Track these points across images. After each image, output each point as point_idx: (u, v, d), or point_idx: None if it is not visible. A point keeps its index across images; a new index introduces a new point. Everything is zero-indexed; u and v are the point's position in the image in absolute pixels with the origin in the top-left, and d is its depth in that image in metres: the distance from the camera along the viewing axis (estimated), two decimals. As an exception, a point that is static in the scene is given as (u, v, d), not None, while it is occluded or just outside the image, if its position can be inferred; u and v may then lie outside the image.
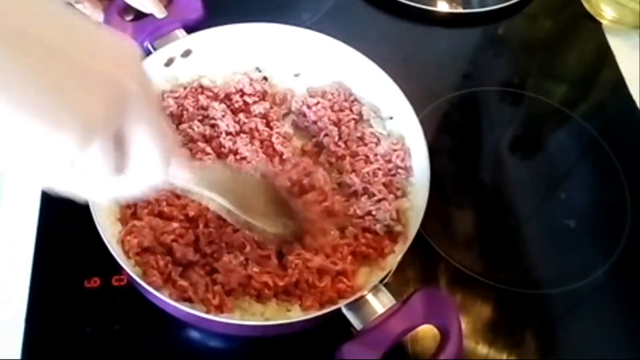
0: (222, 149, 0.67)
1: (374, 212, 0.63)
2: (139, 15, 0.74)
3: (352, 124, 0.70)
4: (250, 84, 0.71)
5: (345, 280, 0.59)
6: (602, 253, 0.69)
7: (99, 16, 0.74)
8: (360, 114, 0.71)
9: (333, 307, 0.55)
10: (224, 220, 0.61)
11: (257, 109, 0.70)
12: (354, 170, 0.66)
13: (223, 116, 0.68)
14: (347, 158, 0.67)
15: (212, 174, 0.54)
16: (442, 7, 0.89)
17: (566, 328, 0.65)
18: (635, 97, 0.82)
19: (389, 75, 0.68)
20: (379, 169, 0.66)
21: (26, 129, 0.35)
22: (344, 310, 0.55)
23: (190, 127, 0.67)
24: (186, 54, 0.71)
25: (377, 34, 0.87)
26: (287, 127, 0.70)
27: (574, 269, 0.68)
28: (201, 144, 0.66)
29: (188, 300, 0.56)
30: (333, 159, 0.68)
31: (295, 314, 0.57)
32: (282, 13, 0.84)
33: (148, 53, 0.71)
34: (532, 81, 0.85)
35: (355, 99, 0.72)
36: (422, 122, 0.66)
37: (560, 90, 0.84)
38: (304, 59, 0.73)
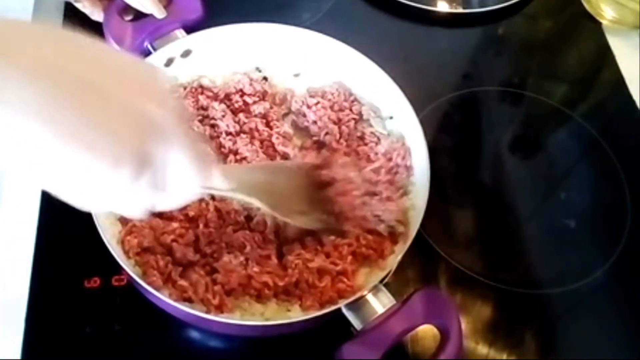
0: (222, 149, 0.67)
1: (379, 213, 0.63)
2: (139, 15, 0.74)
3: (352, 123, 0.70)
4: (250, 84, 0.71)
5: (345, 280, 0.59)
6: (602, 253, 0.69)
7: (99, 16, 0.74)
8: (360, 114, 0.71)
9: (333, 307, 0.55)
10: (224, 220, 0.62)
11: (257, 109, 0.70)
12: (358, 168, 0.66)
13: (223, 116, 0.68)
14: (351, 156, 0.67)
15: (249, 178, 0.56)
16: (442, 7, 0.89)
17: (566, 328, 0.65)
18: (635, 97, 0.82)
19: (389, 75, 0.68)
20: (381, 167, 0.66)
21: (60, 151, 0.36)
22: (344, 310, 0.55)
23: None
24: (186, 54, 0.71)
25: (377, 34, 0.86)
26: (287, 127, 0.70)
27: (574, 269, 0.68)
28: (215, 158, 0.66)
29: (188, 300, 0.56)
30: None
31: (295, 314, 0.57)
32: (282, 13, 0.84)
33: (148, 53, 0.71)
34: (532, 81, 0.85)
35: (355, 99, 0.72)
36: (422, 122, 0.66)
37: (560, 90, 0.84)
38: (304, 59, 0.73)
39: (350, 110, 0.71)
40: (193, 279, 0.57)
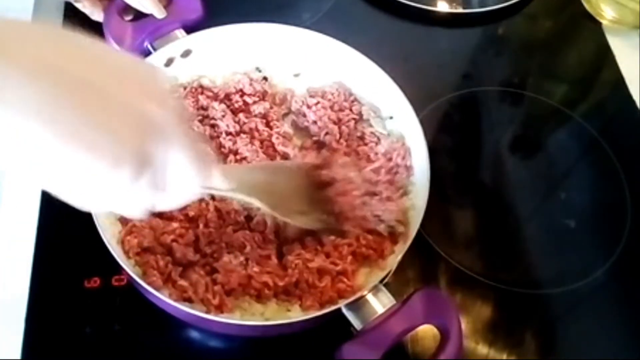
0: (222, 149, 0.67)
1: (379, 213, 0.63)
2: (139, 15, 0.74)
3: (352, 123, 0.70)
4: (250, 84, 0.71)
5: (345, 280, 0.59)
6: (602, 253, 0.69)
7: (99, 16, 0.74)
8: (360, 114, 0.71)
9: (333, 307, 0.55)
10: (224, 220, 0.62)
11: (257, 109, 0.70)
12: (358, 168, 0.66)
13: (223, 116, 0.68)
14: (351, 156, 0.67)
15: (249, 179, 0.56)
16: (442, 7, 0.89)
17: (566, 328, 0.65)
18: (635, 97, 0.82)
19: (389, 75, 0.68)
20: (381, 167, 0.66)
21: (60, 151, 0.36)
22: (344, 310, 0.55)
23: (190, 127, 0.67)
24: (186, 54, 0.71)
25: (377, 34, 0.87)
26: (287, 127, 0.70)
27: (574, 269, 0.68)
28: (215, 158, 0.66)
29: (188, 300, 0.56)
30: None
31: (295, 314, 0.57)
32: (282, 13, 0.84)
33: (148, 53, 0.71)
34: (532, 81, 0.85)
35: (355, 99, 0.72)
36: (422, 122, 0.66)
37: (560, 90, 0.84)
38: (304, 59, 0.73)
39: (350, 110, 0.71)
40: (193, 279, 0.57)
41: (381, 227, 0.62)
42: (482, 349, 0.63)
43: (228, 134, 0.68)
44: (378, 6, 0.89)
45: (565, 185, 0.75)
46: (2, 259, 0.64)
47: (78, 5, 0.74)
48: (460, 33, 0.89)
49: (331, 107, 0.70)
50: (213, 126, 0.68)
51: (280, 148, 0.68)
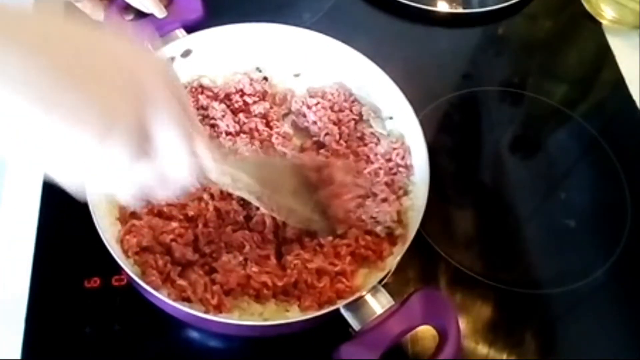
0: (222, 149, 0.67)
1: (375, 215, 0.63)
2: (139, 15, 0.74)
3: (352, 124, 0.70)
4: (250, 84, 0.71)
5: (344, 280, 0.59)
6: (602, 253, 0.69)
7: (99, 15, 0.74)
8: (360, 114, 0.71)
9: (332, 308, 0.55)
10: (223, 220, 0.62)
11: (257, 109, 0.70)
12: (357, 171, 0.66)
13: (223, 116, 0.68)
14: (350, 157, 0.67)
15: (244, 171, 0.55)
16: (442, 7, 0.89)
17: (566, 328, 0.65)
18: (635, 97, 0.82)
19: (388, 76, 0.68)
20: (380, 168, 0.66)
21: (49, 126, 0.36)
22: (343, 311, 0.55)
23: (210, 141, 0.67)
24: (186, 53, 0.71)
25: (377, 34, 0.87)
26: (287, 127, 0.70)
27: (574, 269, 0.68)
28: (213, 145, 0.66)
29: (187, 300, 0.56)
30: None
31: (294, 314, 0.57)
32: (282, 13, 0.84)
33: (148, 53, 0.71)
34: (532, 81, 0.85)
35: (355, 99, 0.72)
36: (422, 122, 0.66)
37: (560, 90, 0.84)
38: (304, 59, 0.73)
39: (350, 110, 0.71)
40: (192, 279, 0.57)
41: (378, 229, 0.62)
42: (482, 349, 0.63)
43: (228, 134, 0.68)
44: (378, 6, 0.89)
45: (565, 185, 0.75)
46: (2, 259, 0.64)
47: (79, 5, 0.74)
48: (460, 33, 0.89)
49: (331, 108, 0.71)
50: (213, 126, 0.68)
51: (280, 148, 0.68)
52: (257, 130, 0.68)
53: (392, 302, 0.56)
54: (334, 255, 0.60)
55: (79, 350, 0.60)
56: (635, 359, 0.64)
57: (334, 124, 0.70)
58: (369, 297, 0.56)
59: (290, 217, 0.60)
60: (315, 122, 0.70)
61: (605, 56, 0.86)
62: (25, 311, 0.61)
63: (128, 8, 0.74)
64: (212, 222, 0.61)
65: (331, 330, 0.55)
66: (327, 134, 0.69)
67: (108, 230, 0.58)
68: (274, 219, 0.62)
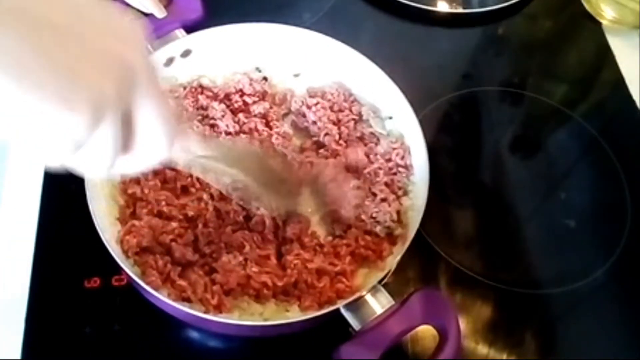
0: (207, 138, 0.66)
1: (374, 215, 0.63)
2: (139, 15, 0.74)
3: (351, 124, 0.70)
4: (250, 84, 0.71)
5: (344, 280, 0.59)
6: (602, 253, 0.69)
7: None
8: (359, 114, 0.71)
9: (332, 308, 0.55)
10: (223, 220, 0.62)
11: (257, 109, 0.70)
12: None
13: (223, 116, 0.68)
14: (349, 158, 0.67)
15: (232, 152, 0.55)
16: (442, 7, 0.89)
17: (566, 328, 0.65)
18: (635, 97, 0.82)
19: (388, 76, 0.68)
20: (379, 168, 0.66)
21: (36, 109, 0.34)
22: (343, 311, 0.55)
23: (190, 127, 0.67)
24: (186, 54, 0.71)
25: (377, 34, 0.87)
26: (286, 127, 0.70)
27: (574, 269, 0.68)
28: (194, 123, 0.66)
29: (187, 300, 0.56)
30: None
31: (294, 314, 0.57)
32: (282, 13, 0.84)
33: (147, 53, 0.71)
34: (532, 81, 0.85)
35: (355, 99, 0.72)
36: (422, 122, 0.66)
37: (560, 90, 0.84)
38: (304, 59, 0.73)
39: (350, 110, 0.71)
40: (192, 279, 0.57)
41: (378, 229, 0.62)
42: (482, 349, 0.63)
43: (228, 134, 0.68)
44: (378, 6, 0.89)
45: (565, 185, 0.75)
46: (2, 259, 0.64)
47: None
48: (460, 33, 0.89)
49: (331, 108, 0.70)
50: (213, 126, 0.68)
51: (280, 148, 0.67)
52: (257, 130, 0.68)
53: (392, 302, 0.56)
54: (334, 255, 0.60)
55: (79, 350, 0.60)
56: (635, 359, 0.64)
57: (334, 124, 0.70)
58: (369, 297, 0.56)
59: (278, 201, 0.60)
60: (315, 122, 0.70)
61: (605, 56, 0.86)
62: (25, 311, 0.61)
63: (128, 8, 0.74)
64: (212, 222, 0.61)
65: (331, 330, 0.55)
66: (326, 134, 0.69)
67: (108, 230, 0.58)
68: (273, 219, 0.62)
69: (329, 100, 0.71)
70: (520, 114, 0.83)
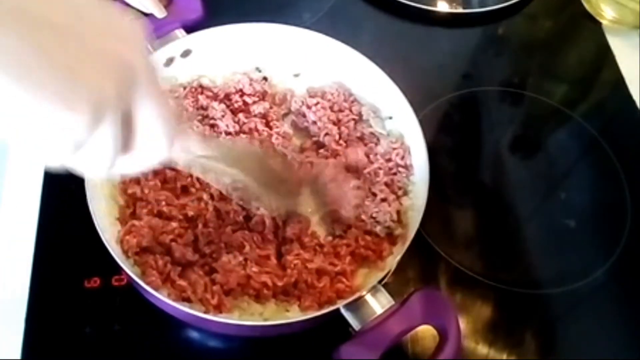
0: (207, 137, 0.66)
1: (375, 215, 0.63)
2: (139, 15, 0.74)
3: (351, 124, 0.70)
4: (250, 84, 0.71)
5: (344, 280, 0.59)
6: (602, 253, 0.69)
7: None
8: (359, 114, 0.71)
9: (332, 308, 0.55)
10: (223, 220, 0.62)
11: (257, 109, 0.70)
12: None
13: (223, 116, 0.68)
14: (349, 157, 0.67)
15: (232, 151, 0.55)
16: (442, 7, 0.89)
17: (566, 328, 0.65)
18: (635, 97, 0.82)
19: (388, 76, 0.68)
20: (379, 168, 0.66)
21: (37, 108, 0.34)
22: (343, 311, 0.55)
23: (189, 127, 0.67)
24: (186, 54, 0.71)
25: (377, 34, 0.87)
26: (286, 127, 0.70)
27: (574, 269, 0.68)
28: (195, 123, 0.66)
29: (187, 300, 0.56)
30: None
31: (294, 314, 0.57)
32: (282, 13, 0.84)
33: (147, 53, 0.71)
34: (532, 81, 0.85)
35: (355, 99, 0.72)
36: (422, 122, 0.66)
37: (560, 90, 0.84)
38: (304, 59, 0.73)
39: (350, 110, 0.71)
40: (192, 279, 0.57)
41: (378, 229, 0.62)
42: (482, 349, 0.63)
43: (228, 134, 0.68)
44: (378, 6, 0.89)
45: (565, 185, 0.75)
46: (2, 259, 0.64)
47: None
48: (460, 33, 0.89)
49: (331, 108, 0.70)
50: (213, 126, 0.68)
51: (280, 148, 0.67)
52: (257, 130, 0.68)
53: (392, 302, 0.56)
54: (334, 255, 0.60)
55: (79, 350, 0.60)
56: (635, 359, 0.64)
57: (334, 123, 0.70)
58: (369, 297, 0.56)
59: (278, 200, 0.60)
60: (315, 122, 0.70)
61: (605, 56, 0.86)
62: (25, 311, 0.61)
63: (128, 8, 0.74)
64: (212, 222, 0.61)
65: (331, 330, 0.55)
66: (326, 134, 0.69)
67: (108, 230, 0.58)
68: (273, 218, 0.62)
69: (329, 100, 0.71)
70: (520, 114, 0.83)
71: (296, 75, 0.74)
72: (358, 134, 0.69)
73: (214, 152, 0.51)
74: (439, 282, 0.67)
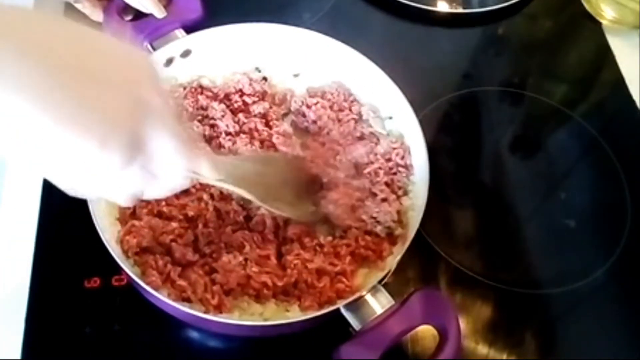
0: (222, 149, 0.67)
1: (375, 215, 0.63)
2: (139, 15, 0.74)
3: (351, 123, 0.70)
4: (250, 84, 0.71)
5: (344, 280, 0.59)
6: (602, 253, 0.69)
7: (99, 16, 0.74)
8: (359, 114, 0.71)
9: (332, 308, 0.55)
10: (223, 220, 0.62)
11: (257, 109, 0.70)
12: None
13: (222, 116, 0.68)
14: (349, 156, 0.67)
15: (238, 170, 0.55)
16: (442, 7, 0.89)
17: (566, 328, 0.65)
18: (635, 97, 0.82)
19: (388, 76, 0.68)
20: (379, 168, 0.66)
21: (46, 126, 0.36)
22: (343, 311, 0.55)
23: (189, 127, 0.67)
24: (185, 54, 0.71)
25: (377, 34, 0.87)
26: (286, 127, 0.70)
27: (574, 269, 0.68)
28: (200, 144, 0.66)
29: (187, 300, 0.56)
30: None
31: (294, 314, 0.57)
32: (282, 13, 0.84)
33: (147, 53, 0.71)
34: (532, 81, 0.85)
35: (355, 99, 0.72)
36: (422, 122, 0.66)
37: (560, 90, 0.84)
38: (304, 59, 0.73)
39: (350, 110, 0.71)
40: (192, 279, 0.57)
41: (378, 229, 0.62)
42: (482, 349, 0.63)
43: (228, 134, 0.68)
44: (378, 6, 0.89)
45: (565, 185, 0.75)
46: (2, 259, 0.64)
47: (78, 6, 0.74)
48: (460, 33, 0.89)
49: (331, 107, 0.70)
50: (213, 126, 0.68)
51: (281, 148, 0.67)
52: (257, 130, 0.68)
53: (392, 302, 0.56)
54: (334, 255, 0.60)
55: (79, 350, 0.60)
56: (635, 359, 0.64)
57: (334, 123, 0.70)
58: (369, 297, 0.56)
59: (291, 211, 0.60)
60: (314, 122, 0.70)
61: (605, 56, 0.86)
62: (25, 311, 0.61)
63: (127, 8, 0.74)
64: (212, 222, 0.61)
65: (331, 330, 0.55)
66: (328, 132, 0.69)
67: (108, 230, 0.58)
68: (274, 218, 0.62)
69: (329, 100, 0.71)
70: (520, 114, 0.83)
71: (296, 75, 0.74)
72: (358, 134, 0.69)
73: (220, 174, 0.51)
74: (439, 282, 0.67)
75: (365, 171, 0.66)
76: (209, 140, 0.67)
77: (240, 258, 0.59)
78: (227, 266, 0.58)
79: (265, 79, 0.73)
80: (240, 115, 0.69)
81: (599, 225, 0.73)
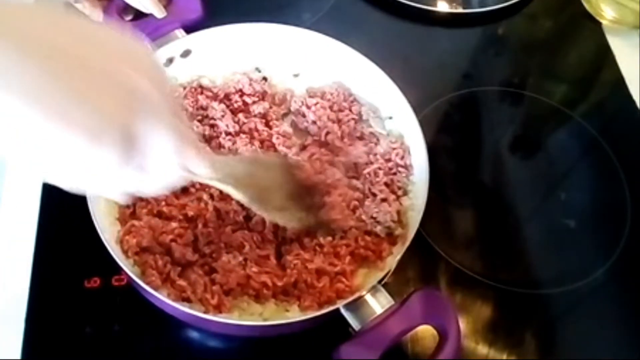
0: (222, 149, 0.67)
1: (375, 215, 0.63)
2: (139, 15, 0.74)
3: (351, 123, 0.70)
4: (250, 84, 0.71)
5: (344, 280, 0.59)
6: (602, 253, 0.69)
7: (99, 16, 0.74)
8: (359, 114, 0.71)
9: (331, 308, 0.55)
10: (223, 220, 0.62)
11: (257, 109, 0.70)
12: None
13: (222, 116, 0.68)
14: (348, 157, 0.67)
15: (234, 169, 0.55)
16: (442, 7, 0.89)
17: (566, 328, 0.65)
18: (635, 97, 0.82)
19: (388, 76, 0.68)
20: (379, 168, 0.66)
21: (42, 125, 0.36)
22: (343, 311, 0.55)
23: (189, 125, 0.67)
24: (185, 54, 0.71)
25: (377, 34, 0.87)
26: (286, 127, 0.70)
27: (574, 269, 0.68)
28: (200, 144, 0.66)
29: (186, 300, 0.56)
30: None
31: (294, 314, 0.57)
32: (282, 13, 0.84)
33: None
34: (532, 81, 0.85)
35: (355, 99, 0.72)
36: (422, 122, 0.66)
37: (560, 90, 0.84)
38: (304, 59, 0.73)
39: (350, 110, 0.71)
40: (192, 279, 0.57)
41: (378, 229, 0.62)
42: (482, 349, 0.63)
43: (227, 134, 0.68)
44: (378, 6, 0.89)
45: (565, 185, 0.75)
46: (2, 259, 0.64)
47: (78, 6, 0.74)
48: (460, 33, 0.89)
49: (330, 107, 0.70)
50: (212, 126, 0.68)
51: (281, 148, 0.67)
52: (257, 130, 0.68)
53: (392, 302, 0.56)
54: (333, 255, 0.60)
55: (79, 350, 0.60)
56: (635, 359, 0.64)
57: (334, 123, 0.70)
58: (368, 297, 0.56)
59: (281, 217, 0.59)
60: (314, 122, 0.70)
61: (605, 56, 0.86)
62: (25, 311, 0.61)
63: (127, 8, 0.74)
64: (211, 222, 0.61)
65: (331, 330, 0.55)
66: (327, 133, 0.69)
67: (108, 230, 0.58)
68: None
69: (329, 100, 0.71)
70: (520, 114, 0.83)
71: (296, 75, 0.74)
72: (358, 134, 0.69)
73: (217, 174, 0.51)
74: (439, 282, 0.67)
75: (365, 171, 0.66)
76: (208, 140, 0.67)
77: (240, 258, 0.59)
78: (227, 266, 0.58)
79: (265, 79, 0.73)
80: (240, 115, 0.69)
81: (599, 225, 0.73)
